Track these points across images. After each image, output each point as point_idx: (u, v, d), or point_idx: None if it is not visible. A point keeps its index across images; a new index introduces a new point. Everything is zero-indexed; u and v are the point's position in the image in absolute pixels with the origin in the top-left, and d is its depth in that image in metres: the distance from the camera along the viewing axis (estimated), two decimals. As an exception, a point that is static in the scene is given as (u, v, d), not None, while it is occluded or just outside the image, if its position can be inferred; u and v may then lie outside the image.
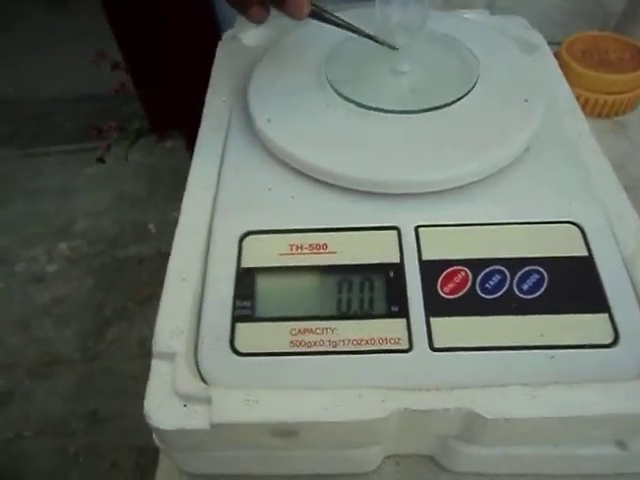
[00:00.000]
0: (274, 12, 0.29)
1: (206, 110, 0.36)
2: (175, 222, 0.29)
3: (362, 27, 0.32)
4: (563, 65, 0.41)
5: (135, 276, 1.25)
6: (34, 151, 1.53)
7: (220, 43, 0.41)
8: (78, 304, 1.21)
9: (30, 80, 1.70)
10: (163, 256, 1.25)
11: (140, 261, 1.27)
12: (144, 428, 0.26)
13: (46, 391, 1.10)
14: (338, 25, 0.31)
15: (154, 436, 0.24)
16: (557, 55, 0.44)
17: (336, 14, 0.31)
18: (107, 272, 1.26)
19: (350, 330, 0.25)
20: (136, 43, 0.72)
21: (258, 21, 0.29)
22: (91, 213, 1.37)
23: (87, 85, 1.50)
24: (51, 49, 1.76)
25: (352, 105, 0.31)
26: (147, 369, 0.24)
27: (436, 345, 0.24)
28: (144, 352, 1.12)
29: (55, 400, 1.09)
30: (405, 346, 0.24)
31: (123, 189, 1.40)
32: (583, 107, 0.36)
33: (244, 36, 0.40)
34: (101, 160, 1.23)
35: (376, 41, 0.32)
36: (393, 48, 0.32)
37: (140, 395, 0.25)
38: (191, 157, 0.33)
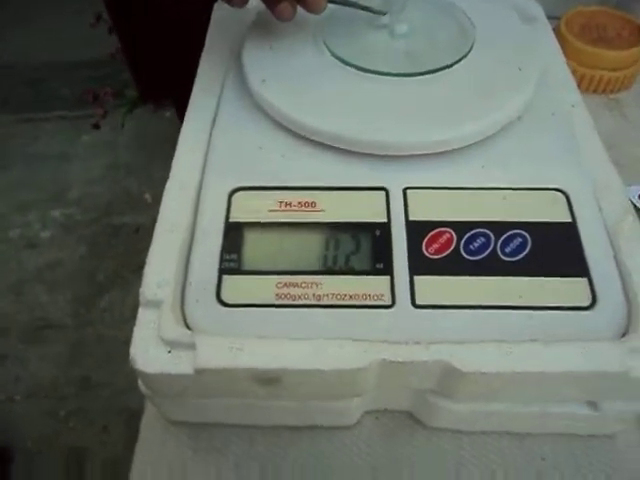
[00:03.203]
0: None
1: (200, 70, 0.35)
2: None
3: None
4: (561, 39, 0.41)
5: (130, 244, 1.25)
6: (29, 117, 1.51)
7: (216, 4, 0.40)
8: (71, 270, 1.21)
9: (24, 46, 1.68)
10: (158, 226, 1.26)
11: (136, 230, 1.28)
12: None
13: (38, 356, 1.11)
14: (335, 2, 0.31)
15: (139, 382, 0.25)
16: (556, 29, 0.44)
17: None
18: (101, 239, 1.26)
19: (335, 285, 0.25)
20: (126, 8, 0.71)
21: (285, 19, 0.29)
22: (86, 180, 1.36)
23: (84, 50, 1.48)
24: (47, 13, 1.73)
25: (346, 67, 0.31)
26: None
27: (418, 302, 0.25)
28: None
29: (47, 365, 1.10)
30: (388, 302, 0.25)
31: (118, 157, 1.40)
32: (579, 83, 0.36)
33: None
34: (96, 126, 1.22)
35: (367, 9, 0.32)
36: (382, 13, 0.32)
37: None
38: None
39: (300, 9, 0.30)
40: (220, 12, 0.40)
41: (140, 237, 1.26)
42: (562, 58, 0.36)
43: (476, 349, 0.23)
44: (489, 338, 0.24)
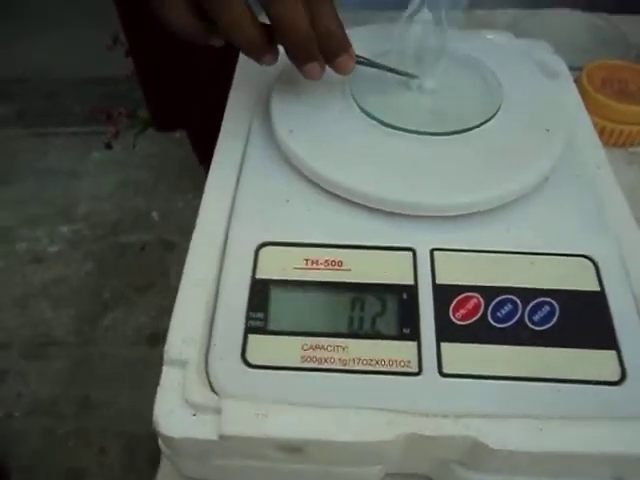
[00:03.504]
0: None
1: (226, 116, 0.36)
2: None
3: (384, 49, 0.32)
4: (582, 92, 0.41)
5: (135, 263, 1.25)
6: (42, 131, 1.53)
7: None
8: (76, 287, 1.21)
9: (41, 61, 1.70)
10: (165, 244, 1.26)
11: (142, 248, 1.28)
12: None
13: (39, 372, 1.11)
14: (364, 64, 0.31)
15: (159, 441, 0.25)
16: (577, 81, 0.44)
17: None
18: (107, 257, 1.27)
19: (361, 349, 0.25)
20: (142, 34, 0.71)
21: (313, 79, 0.29)
22: (95, 197, 1.37)
23: (99, 69, 1.49)
24: (65, 31, 1.75)
25: (374, 122, 0.31)
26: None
27: (445, 370, 0.24)
28: (140, 339, 1.12)
29: (48, 382, 1.09)
30: (415, 369, 0.24)
31: (128, 176, 1.40)
32: (599, 135, 0.36)
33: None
34: (109, 146, 1.23)
35: (398, 73, 0.32)
36: (413, 77, 0.32)
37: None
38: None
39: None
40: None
41: (146, 255, 1.26)
42: (587, 116, 0.36)
43: (506, 425, 0.23)
44: (517, 411, 0.23)
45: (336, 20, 0.28)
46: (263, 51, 0.28)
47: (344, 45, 0.29)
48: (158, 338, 1.11)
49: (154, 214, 1.32)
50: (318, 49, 0.28)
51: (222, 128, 0.35)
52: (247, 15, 0.27)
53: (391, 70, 0.32)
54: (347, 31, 0.29)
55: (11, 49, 1.77)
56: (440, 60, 0.32)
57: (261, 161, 0.32)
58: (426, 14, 0.32)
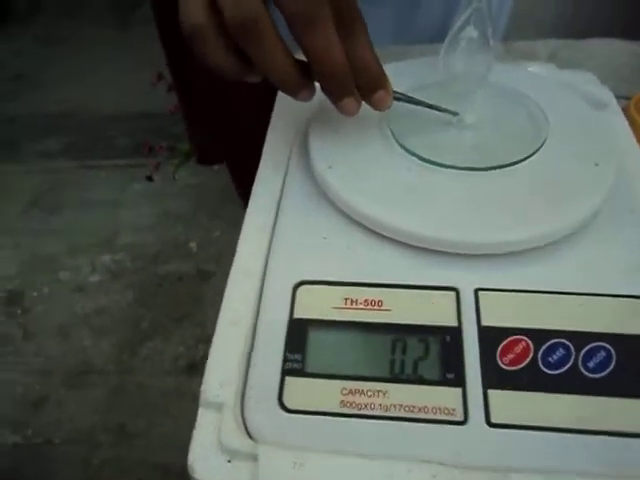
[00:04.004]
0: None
1: (265, 150, 0.36)
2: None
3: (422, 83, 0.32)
4: (631, 122, 0.40)
5: (173, 293, 1.27)
6: (88, 163, 1.59)
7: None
8: (116, 316, 1.24)
9: (91, 96, 1.78)
10: (202, 274, 1.28)
11: (179, 278, 1.29)
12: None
13: (78, 400, 1.12)
14: (402, 100, 0.31)
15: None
16: (624, 110, 0.43)
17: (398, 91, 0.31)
18: (147, 287, 1.29)
19: (402, 395, 0.24)
20: (187, 75, 0.74)
21: (349, 114, 0.29)
22: (135, 228, 1.40)
23: (144, 104, 1.55)
24: (114, 69, 1.84)
25: (414, 158, 0.30)
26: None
27: (493, 420, 0.23)
28: (177, 369, 1.13)
29: (86, 410, 1.11)
30: (460, 418, 0.23)
31: (168, 207, 1.44)
32: (651, 167, 0.34)
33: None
34: (150, 179, 1.26)
35: (437, 109, 0.32)
36: (454, 114, 0.32)
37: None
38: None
39: None
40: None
41: (183, 285, 1.28)
42: (637, 148, 0.35)
43: (562, 483, 0.21)
44: (572, 467, 0.22)
45: (372, 54, 0.28)
46: (298, 87, 0.28)
47: (381, 80, 0.29)
48: (194, 368, 1.11)
49: (192, 244, 1.34)
50: (354, 84, 0.28)
51: (261, 162, 0.35)
52: (281, 51, 0.27)
53: (430, 106, 0.31)
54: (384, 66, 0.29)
55: (62, 86, 1.87)
56: (482, 89, 0.32)
57: (299, 197, 0.32)
58: (472, 31, 0.31)
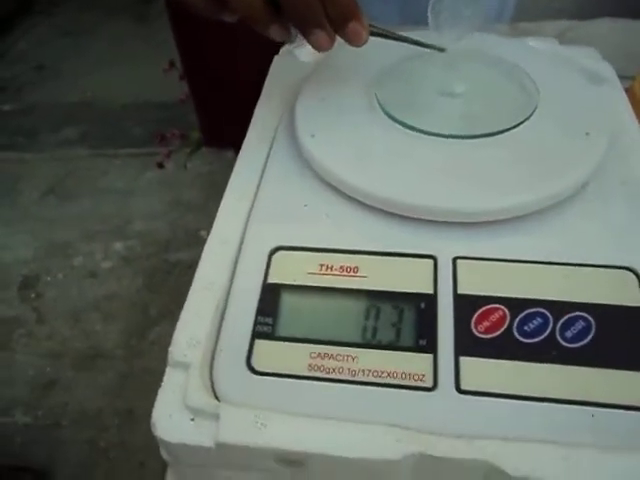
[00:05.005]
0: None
1: (254, 121, 0.35)
2: None
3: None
4: (633, 100, 0.39)
5: (182, 280, 1.27)
6: (103, 152, 1.61)
7: (276, 57, 0.41)
8: (126, 302, 1.25)
9: (108, 86, 1.80)
10: (211, 263, 1.28)
11: (189, 266, 1.30)
12: None
13: (87, 383, 1.14)
14: (384, 36, 0.30)
15: (160, 448, 0.24)
16: (629, 90, 0.41)
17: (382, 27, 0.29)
18: (157, 274, 1.30)
19: (372, 360, 0.23)
20: (198, 59, 0.74)
21: (322, 49, 0.28)
22: (147, 216, 1.41)
23: (159, 95, 1.56)
24: (131, 60, 1.86)
25: (399, 126, 0.30)
26: None
27: (463, 387, 0.22)
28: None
29: (94, 393, 1.12)
30: (429, 384, 0.22)
31: (180, 195, 1.45)
32: (653, 145, 0.33)
33: (300, 51, 0.40)
34: (161, 165, 1.27)
35: (423, 45, 0.30)
36: (441, 50, 0.31)
37: None
38: None
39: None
40: (280, 61, 0.40)
41: (193, 273, 1.28)
42: (634, 121, 0.34)
43: (527, 450, 0.20)
44: (542, 436, 0.21)
45: None
46: (268, 22, 0.27)
47: (353, 10, 0.27)
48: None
49: (203, 232, 1.35)
50: (324, 16, 0.26)
51: (248, 131, 0.34)
52: None
53: (414, 42, 0.30)
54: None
55: (81, 76, 1.89)
56: (473, 31, 0.30)
57: (283, 166, 0.31)
58: None
